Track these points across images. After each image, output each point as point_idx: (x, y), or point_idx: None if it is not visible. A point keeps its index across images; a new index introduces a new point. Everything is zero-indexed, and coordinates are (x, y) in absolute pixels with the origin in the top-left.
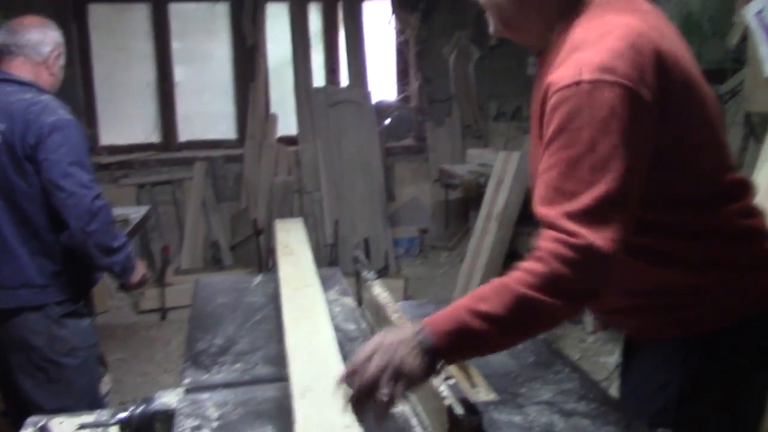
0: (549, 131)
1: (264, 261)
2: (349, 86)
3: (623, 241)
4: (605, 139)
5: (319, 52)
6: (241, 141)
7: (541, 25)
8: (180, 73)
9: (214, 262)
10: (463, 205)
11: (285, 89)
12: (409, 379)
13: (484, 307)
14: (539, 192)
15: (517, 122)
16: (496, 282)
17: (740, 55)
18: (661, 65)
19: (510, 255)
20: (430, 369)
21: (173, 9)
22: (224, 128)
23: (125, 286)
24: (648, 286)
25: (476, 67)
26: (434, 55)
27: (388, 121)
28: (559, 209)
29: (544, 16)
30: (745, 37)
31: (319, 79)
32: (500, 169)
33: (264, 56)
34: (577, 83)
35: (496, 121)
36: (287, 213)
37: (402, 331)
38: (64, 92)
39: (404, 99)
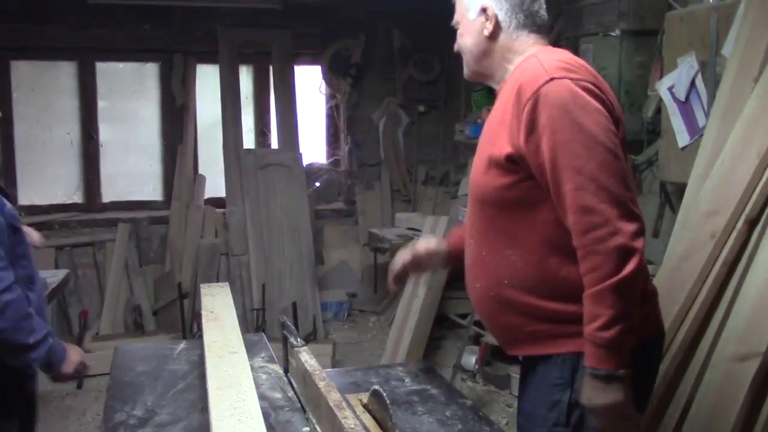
0: (539, 122)
1: (188, 326)
2: (279, 149)
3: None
4: (595, 142)
5: (249, 113)
6: (167, 202)
7: (497, 65)
8: (106, 133)
9: (136, 327)
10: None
11: (214, 150)
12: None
13: (600, 321)
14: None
15: (445, 187)
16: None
17: (655, 127)
18: (604, 86)
19: (439, 319)
20: (626, 389)
21: (100, 68)
22: (150, 189)
23: (57, 378)
24: (555, 286)
25: (405, 132)
26: (364, 120)
27: (317, 184)
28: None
29: (502, 58)
30: (660, 110)
31: (249, 141)
32: (429, 233)
33: (193, 117)
34: (550, 79)
35: (425, 186)
36: (213, 276)
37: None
38: None
39: (334, 162)
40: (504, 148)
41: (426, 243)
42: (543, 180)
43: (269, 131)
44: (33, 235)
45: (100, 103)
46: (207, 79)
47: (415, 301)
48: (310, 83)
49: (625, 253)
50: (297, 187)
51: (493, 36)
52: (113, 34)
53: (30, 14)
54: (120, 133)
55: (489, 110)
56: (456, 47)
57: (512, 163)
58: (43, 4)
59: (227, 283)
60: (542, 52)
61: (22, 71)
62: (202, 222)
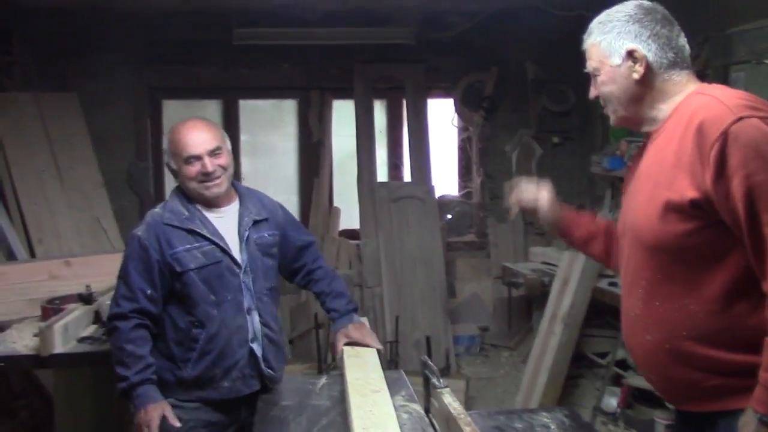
0: (729, 164)
1: (323, 356)
2: (412, 182)
3: None
4: None
5: (383, 147)
6: None
7: (653, 107)
8: (247, 165)
9: None
10: (525, 304)
11: (348, 183)
12: None
13: None
14: None
15: None
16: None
17: None
18: None
19: (576, 357)
20: None
21: (243, 104)
22: None
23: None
24: (741, 336)
25: (539, 164)
26: (497, 152)
27: (449, 217)
28: None
29: (657, 99)
30: None
31: (382, 174)
32: (566, 269)
33: (329, 150)
34: (738, 119)
35: None
36: None
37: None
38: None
39: (466, 195)
40: (687, 193)
41: (545, 201)
42: (734, 224)
43: (402, 164)
44: None
45: (242, 137)
46: (342, 114)
47: (552, 338)
48: (442, 116)
49: None
50: (429, 219)
51: (644, 79)
52: (255, 73)
53: (180, 57)
54: (260, 166)
55: (630, 143)
56: (593, 94)
57: (696, 209)
58: (192, 47)
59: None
60: (708, 88)
61: (173, 110)
62: (337, 253)
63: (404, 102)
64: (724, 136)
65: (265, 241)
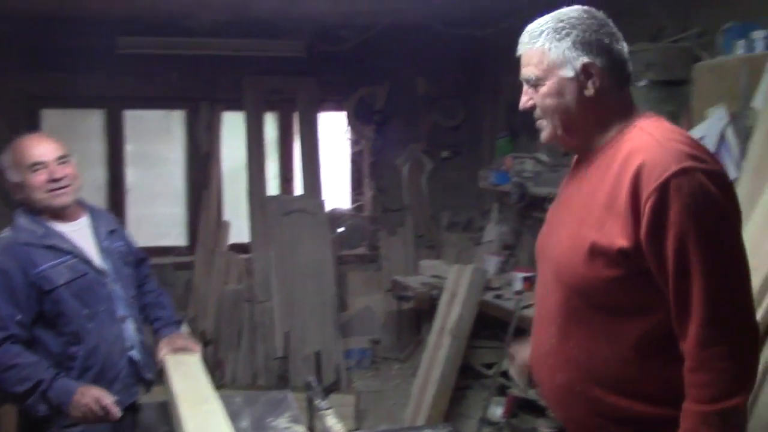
0: (667, 219)
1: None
2: (303, 195)
3: None
4: (728, 243)
5: (274, 160)
6: (191, 248)
7: (594, 129)
8: (132, 176)
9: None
10: (415, 317)
11: (238, 196)
12: None
13: None
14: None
15: (470, 233)
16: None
17: None
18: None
19: (464, 369)
20: None
21: (129, 114)
22: (175, 234)
23: (81, 421)
24: (651, 388)
25: (429, 178)
26: (388, 166)
27: (341, 230)
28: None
29: (600, 121)
30: None
31: (273, 187)
32: (454, 283)
33: (218, 163)
34: (681, 170)
35: (449, 232)
36: (237, 323)
37: None
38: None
39: (358, 208)
40: (617, 240)
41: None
42: (661, 278)
43: (293, 178)
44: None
45: (128, 147)
46: (232, 126)
47: (440, 350)
48: (334, 129)
49: (744, 380)
50: (320, 232)
51: (595, 98)
52: (141, 83)
53: (60, 64)
54: (146, 177)
55: (515, 158)
56: (528, 104)
57: (624, 257)
58: (73, 54)
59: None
60: (650, 124)
61: (52, 119)
62: (226, 268)
63: (296, 115)
64: (664, 187)
65: (121, 249)
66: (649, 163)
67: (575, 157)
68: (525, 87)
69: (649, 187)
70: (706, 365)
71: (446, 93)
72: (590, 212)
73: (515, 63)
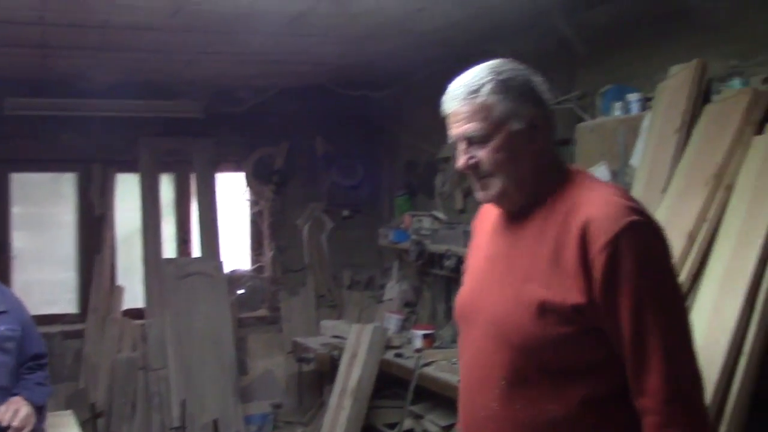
0: (620, 272)
1: None
2: (200, 257)
3: None
4: (676, 295)
5: (170, 222)
6: (82, 315)
7: (539, 183)
8: (19, 241)
9: None
10: (317, 378)
11: (133, 260)
12: None
13: None
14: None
15: (371, 291)
16: None
17: None
18: None
19: (366, 430)
20: None
21: (15, 177)
22: (65, 301)
23: None
24: None
25: (329, 237)
26: (288, 226)
27: (241, 292)
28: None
29: (543, 174)
30: None
31: (170, 250)
32: (354, 342)
33: (112, 226)
34: (629, 223)
35: (351, 290)
36: (130, 393)
37: None
38: None
39: (258, 269)
40: (569, 297)
41: None
42: (615, 333)
43: (191, 240)
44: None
45: (15, 210)
46: (127, 188)
47: (342, 412)
48: (233, 190)
49: (708, 428)
50: (219, 295)
51: (541, 151)
52: (30, 144)
53: None
54: (35, 241)
55: (413, 216)
56: (468, 162)
57: (577, 313)
58: None
59: (71, 411)
60: (585, 178)
61: None
62: (120, 335)
63: (193, 176)
64: (615, 241)
65: (5, 334)
66: (596, 218)
67: (494, 213)
68: (462, 146)
69: (599, 242)
70: (675, 420)
71: (345, 152)
72: (534, 269)
73: (412, 122)
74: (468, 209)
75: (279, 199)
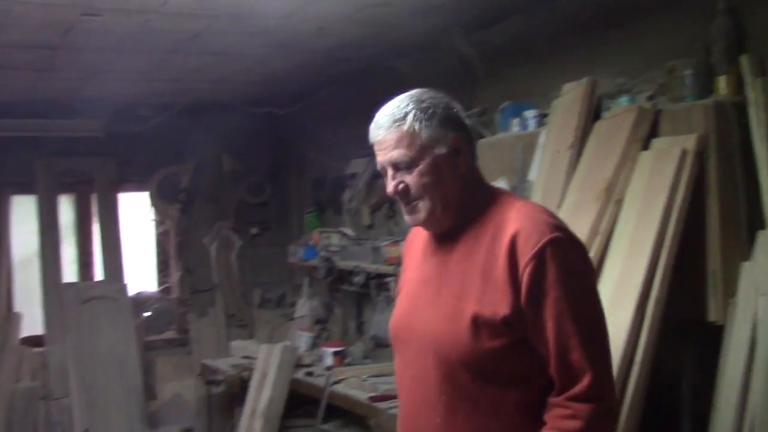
0: (545, 284)
1: None
2: (104, 280)
3: None
4: (596, 305)
5: (71, 245)
6: None
7: (465, 204)
8: None
9: None
10: (227, 400)
11: (31, 285)
12: None
13: None
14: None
15: (282, 309)
16: None
17: None
18: None
19: None
20: None
21: None
22: None
23: None
24: None
25: (238, 255)
26: (195, 245)
27: (147, 314)
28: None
29: (468, 195)
30: None
31: (71, 273)
32: (264, 362)
33: (8, 251)
34: (553, 238)
35: (261, 309)
36: (30, 424)
37: None
38: None
39: (165, 290)
40: (499, 309)
41: None
42: (541, 342)
43: (93, 263)
44: None
45: None
46: (24, 210)
47: None
48: (137, 210)
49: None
50: (124, 319)
51: (466, 173)
52: None
53: None
54: None
55: (321, 233)
56: (397, 189)
57: (506, 326)
58: None
59: None
60: (510, 197)
61: None
62: (18, 364)
63: (94, 197)
64: (541, 254)
65: None
66: (523, 232)
67: (422, 236)
68: (390, 172)
69: (526, 255)
70: (586, 416)
71: (253, 170)
72: (468, 285)
73: (318, 139)
74: (375, 225)
75: (185, 219)
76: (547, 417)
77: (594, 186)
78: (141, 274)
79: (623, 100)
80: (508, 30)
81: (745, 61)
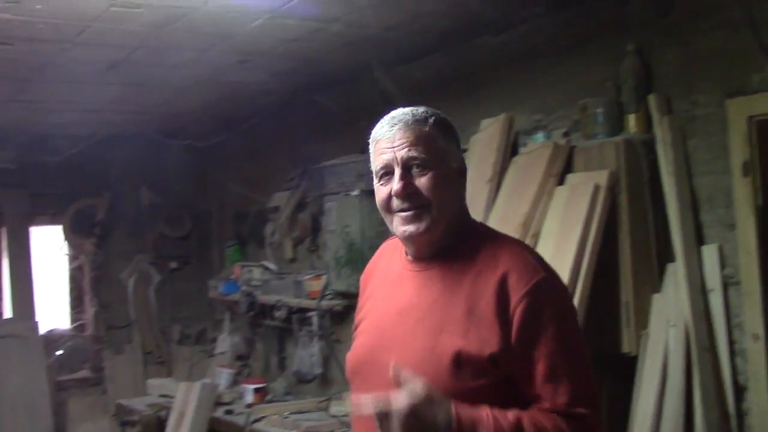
0: (537, 322)
1: None
2: (12, 318)
3: None
4: (583, 343)
5: None
6: None
7: (454, 230)
8: None
9: None
10: None
11: None
12: None
13: None
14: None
15: (202, 345)
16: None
17: None
18: None
19: None
20: None
21: None
22: None
23: None
24: None
25: (157, 290)
26: (112, 280)
27: (60, 353)
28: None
29: (458, 222)
30: None
31: None
32: (182, 401)
33: None
34: (544, 277)
35: (180, 345)
36: None
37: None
38: None
39: (79, 327)
40: (486, 346)
41: None
42: (525, 380)
43: (1, 299)
44: None
45: None
46: None
47: None
48: (49, 244)
49: None
50: (34, 358)
51: (462, 197)
52: None
53: None
54: None
55: (243, 267)
56: (406, 190)
57: (492, 363)
58: None
59: None
60: (491, 231)
61: None
62: None
63: (3, 230)
64: (533, 292)
65: None
66: (514, 270)
67: (384, 267)
68: (398, 171)
69: (518, 292)
70: None
71: (172, 202)
72: (450, 320)
73: (240, 172)
74: (298, 258)
75: (101, 253)
76: (539, 409)
77: (512, 220)
78: (53, 310)
79: (539, 137)
80: (428, 66)
81: (652, 100)
